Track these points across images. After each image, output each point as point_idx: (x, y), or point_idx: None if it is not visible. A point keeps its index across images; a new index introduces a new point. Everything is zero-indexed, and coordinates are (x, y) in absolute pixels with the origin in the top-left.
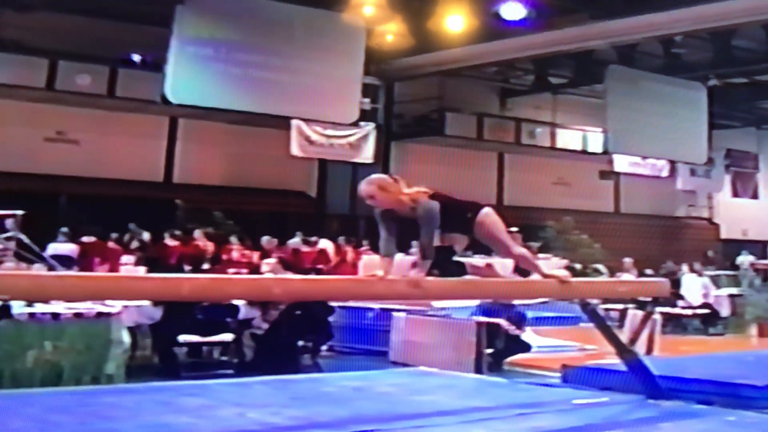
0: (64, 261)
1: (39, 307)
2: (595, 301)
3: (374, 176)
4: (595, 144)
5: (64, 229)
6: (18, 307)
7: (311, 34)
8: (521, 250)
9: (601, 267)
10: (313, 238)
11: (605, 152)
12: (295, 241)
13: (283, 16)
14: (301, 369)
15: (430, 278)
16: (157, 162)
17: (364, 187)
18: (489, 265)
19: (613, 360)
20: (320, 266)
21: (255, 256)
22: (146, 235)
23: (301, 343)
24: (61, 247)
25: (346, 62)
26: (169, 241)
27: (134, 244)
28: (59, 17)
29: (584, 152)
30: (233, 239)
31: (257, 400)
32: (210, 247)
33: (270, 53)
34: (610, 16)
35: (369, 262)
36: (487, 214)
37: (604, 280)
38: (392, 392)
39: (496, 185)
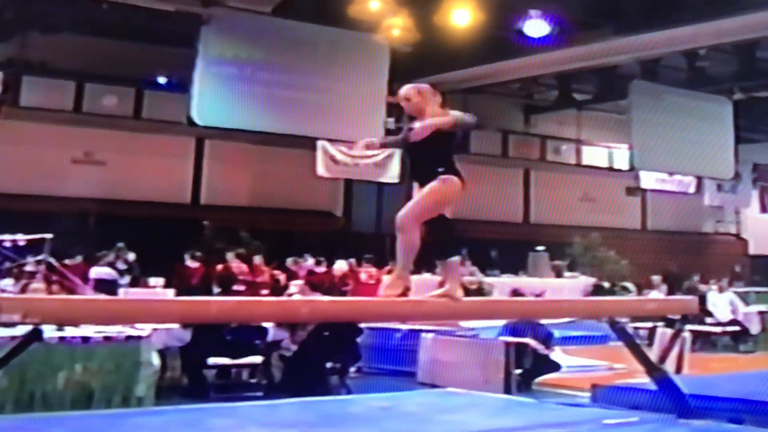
0: (107, 285)
1: (69, 331)
2: (623, 320)
3: (417, 84)
4: (621, 160)
5: (108, 253)
6: (49, 331)
7: (335, 53)
8: (411, 236)
9: (628, 284)
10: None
11: (631, 168)
12: (310, 263)
13: (306, 36)
14: (330, 390)
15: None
16: (184, 183)
17: (403, 89)
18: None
19: (642, 379)
20: (345, 287)
21: (282, 277)
22: (132, 256)
23: (329, 364)
24: (103, 270)
25: (371, 81)
26: (191, 263)
27: (120, 265)
28: (85, 39)
29: (610, 169)
30: (258, 259)
31: (285, 422)
32: (244, 268)
33: (294, 73)
34: (633, 30)
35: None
36: (449, 182)
37: (632, 297)
38: (419, 412)
39: (523, 202)
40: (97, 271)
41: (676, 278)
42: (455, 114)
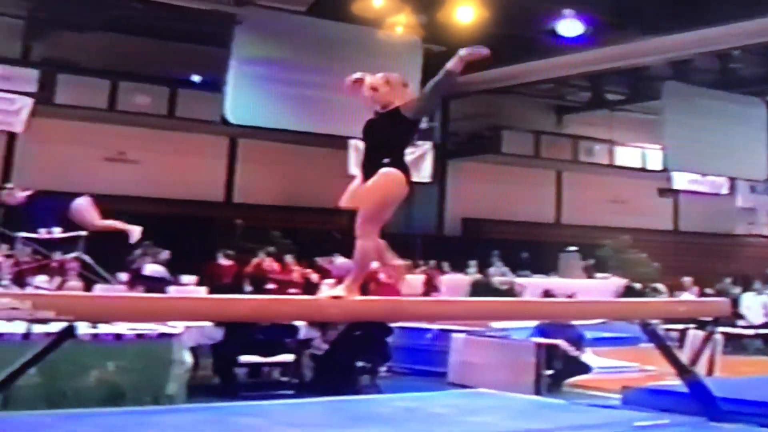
0: (158, 281)
1: (102, 328)
2: (654, 321)
3: (387, 73)
4: (654, 161)
5: (165, 252)
6: (81, 328)
7: (368, 53)
8: (368, 243)
9: (660, 286)
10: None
11: (663, 170)
12: (343, 261)
13: (339, 36)
14: (360, 390)
15: (487, 299)
16: (217, 181)
17: (369, 77)
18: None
19: (673, 381)
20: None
21: (314, 276)
22: (166, 254)
23: (360, 363)
24: (157, 267)
25: None
26: (223, 261)
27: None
28: (119, 38)
29: (642, 170)
30: (289, 258)
31: (315, 421)
32: (275, 266)
33: (326, 73)
34: (664, 31)
35: (411, 282)
36: (392, 176)
37: (663, 299)
38: (446, 413)
39: (555, 204)
40: (151, 269)
41: (708, 280)
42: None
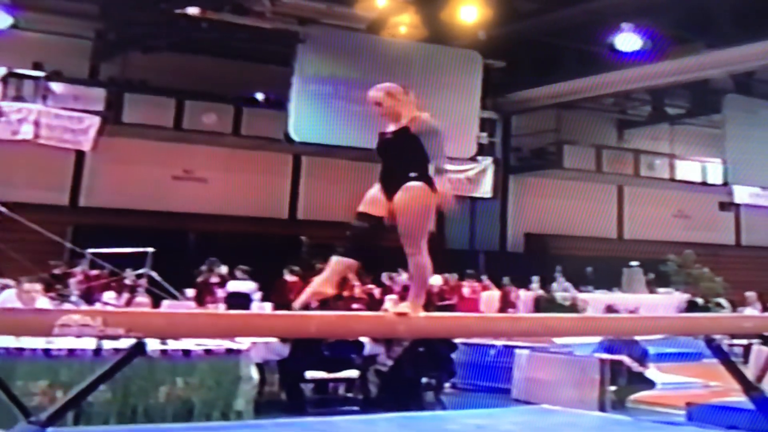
0: (242, 299)
1: (171, 344)
2: (719, 337)
3: (385, 83)
4: (715, 175)
5: (244, 267)
6: (151, 344)
7: (428, 69)
8: (423, 258)
9: (723, 301)
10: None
11: (725, 183)
12: (406, 277)
13: (400, 53)
14: (425, 406)
15: (552, 315)
16: (282, 199)
17: (372, 93)
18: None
19: (738, 397)
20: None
21: (376, 291)
22: (224, 269)
23: (424, 379)
24: (241, 285)
25: (464, 97)
26: (289, 277)
27: (214, 279)
28: (184, 58)
29: (704, 184)
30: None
31: None
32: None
33: None
34: (725, 44)
35: (488, 298)
36: (423, 189)
37: (727, 314)
38: (515, 431)
39: (617, 218)
40: (234, 285)
41: None
42: (436, 126)
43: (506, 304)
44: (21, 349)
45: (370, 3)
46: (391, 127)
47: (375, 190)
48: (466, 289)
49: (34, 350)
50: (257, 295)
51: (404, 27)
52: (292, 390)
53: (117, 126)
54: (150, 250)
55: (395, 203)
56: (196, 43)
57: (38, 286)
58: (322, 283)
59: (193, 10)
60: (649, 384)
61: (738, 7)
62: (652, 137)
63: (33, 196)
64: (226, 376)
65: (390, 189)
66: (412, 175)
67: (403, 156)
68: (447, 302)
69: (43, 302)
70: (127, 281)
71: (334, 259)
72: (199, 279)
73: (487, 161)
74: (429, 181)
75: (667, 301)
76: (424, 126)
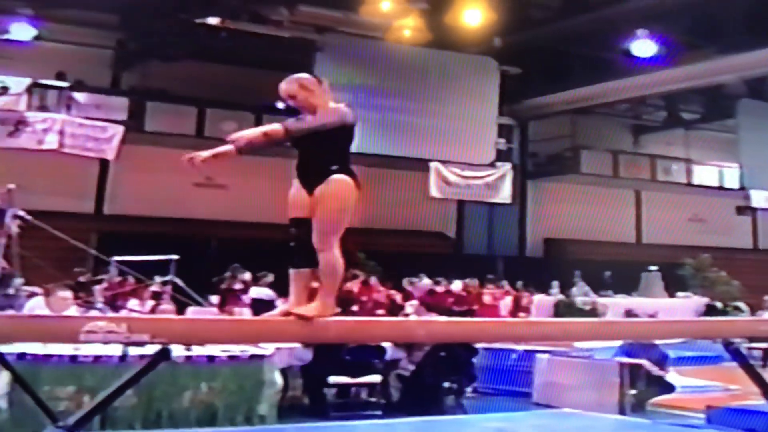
0: (265, 305)
1: (195, 350)
2: (737, 340)
3: (296, 75)
4: (731, 179)
5: (267, 278)
6: (176, 350)
7: (446, 76)
8: (333, 255)
9: (741, 305)
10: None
11: (741, 188)
12: (427, 282)
13: (417, 61)
14: (446, 410)
15: (572, 320)
16: None
17: (284, 86)
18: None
19: (758, 401)
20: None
21: (398, 297)
22: (247, 275)
23: (445, 384)
24: (263, 291)
25: (481, 104)
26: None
27: (237, 285)
28: (204, 66)
29: (720, 188)
30: (373, 280)
31: None
32: (361, 288)
33: (407, 97)
34: (737, 49)
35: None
36: (343, 183)
37: (745, 318)
38: None
39: (635, 223)
40: (256, 291)
41: None
42: (342, 111)
43: (518, 308)
44: (48, 356)
45: (375, 7)
46: (308, 119)
47: (295, 188)
48: (487, 296)
49: (61, 356)
50: (280, 301)
51: (408, 30)
52: (314, 395)
53: (139, 134)
54: (174, 257)
55: (316, 196)
56: (215, 52)
57: (69, 293)
58: (294, 305)
59: (212, 20)
60: (669, 387)
61: (750, 13)
62: (667, 142)
63: (58, 204)
64: (250, 381)
65: (309, 182)
66: (334, 168)
67: (320, 147)
68: (467, 308)
69: (72, 310)
70: (153, 288)
71: (292, 274)
72: (223, 285)
73: (505, 167)
74: (352, 175)
75: (686, 305)
76: (330, 111)
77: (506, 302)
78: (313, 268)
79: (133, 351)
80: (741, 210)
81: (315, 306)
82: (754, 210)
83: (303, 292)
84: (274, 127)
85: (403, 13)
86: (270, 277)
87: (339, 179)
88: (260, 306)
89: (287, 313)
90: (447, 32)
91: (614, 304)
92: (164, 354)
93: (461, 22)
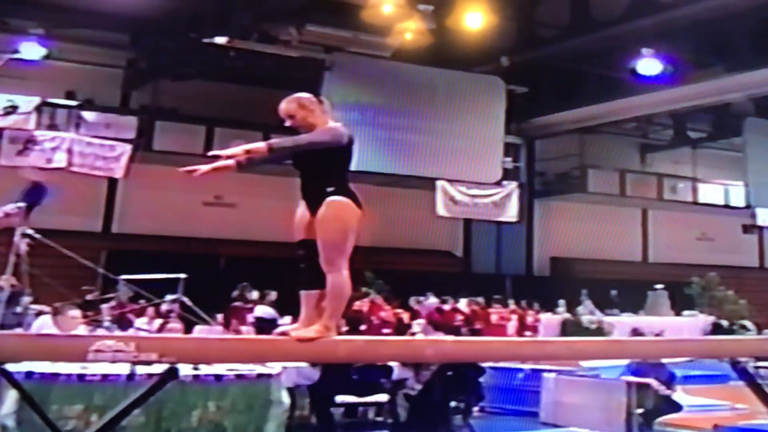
0: (268, 324)
1: (203, 369)
2: (744, 359)
3: (296, 94)
4: (738, 198)
5: (271, 297)
6: (183, 369)
7: (453, 96)
8: (340, 277)
9: (747, 323)
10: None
11: (748, 206)
12: (434, 301)
13: (424, 80)
14: (454, 430)
15: (579, 339)
16: None
17: (283, 105)
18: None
19: (765, 420)
20: (472, 327)
21: (405, 316)
22: (255, 294)
23: (453, 403)
24: (266, 309)
25: (488, 122)
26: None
27: (245, 304)
28: (213, 85)
29: (726, 206)
30: (379, 299)
31: None
32: (364, 307)
33: (414, 116)
34: (745, 68)
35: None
36: (341, 204)
37: (752, 337)
38: None
39: (641, 242)
40: (261, 310)
41: None
42: (335, 130)
43: (524, 327)
44: (56, 374)
45: (376, 10)
46: (295, 137)
47: (300, 210)
48: (494, 316)
49: (69, 375)
50: (287, 319)
51: (410, 33)
52: (322, 414)
53: (148, 153)
54: (182, 276)
55: (317, 219)
56: (224, 71)
57: (78, 313)
58: (302, 326)
59: (220, 39)
60: (676, 407)
61: (757, 31)
62: (675, 161)
63: (66, 223)
64: (258, 400)
65: (311, 204)
66: (329, 189)
67: (316, 168)
68: (474, 328)
69: (80, 329)
70: (162, 307)
71: (302, 295)
72: (234, 304)
73: (512, 186)
74: (351, 196)
75: (692, 324)
76: (324, 130)
77: (513, 321)
78: (322, 290)
79: (141, 370)
80: (747, 228)
81: (315, 328)
82: (760, 228)
83: (313, 313)
84: (258, 145)
85: (406, 16)
86: (273, 296)
87: (336, 201)
88: (263, 324)
89: (284, 334)
90: (450, 37)
91: (620, 323)
92: (172, 373)
93: (455, 23)
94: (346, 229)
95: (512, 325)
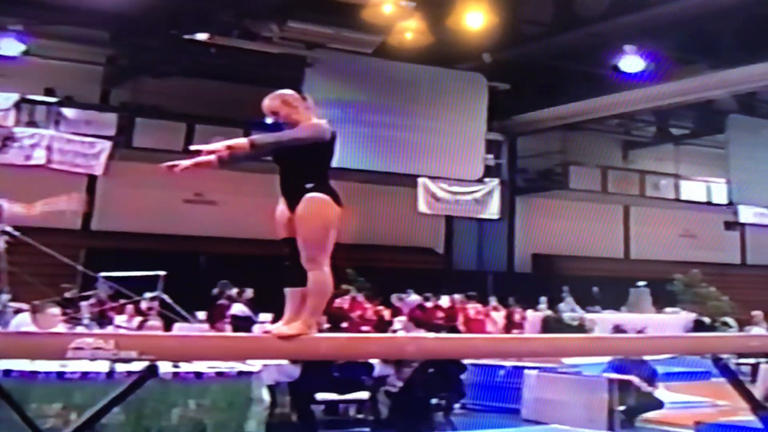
0: (245, 321)
1: (183, 367)
2: (726, 356)
3: (279, 91)
4: (720, 195)
5: (248, 294)
6: (164, 367)
7: (435, 93)
8: (322, 274)
9: (729, 320)
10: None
11: (730, 203)
12: (416, 298)
13: (407, 77)
14: (435, 427)
15: (560, 336)
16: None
17: (266, 102)
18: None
19: (747, 417)
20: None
21: (386, 313)
22: (234, 291)
23: (434, 400)
24: (241, 307)
25: (470, 119)
26: None
27: (225, 301)
28: (194, 82)
29: (708, 203)
30: (360, 296)
31: None
32: (345, 304)
33: (396, 113)
34: (728, 65)
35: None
36: (320, 201)
37: (734, 333)
38: None
39: (623, 238)
40: (238, 308)
41: None
42: (317, 126)
43: (511, 324)
44: (35, 372)
45: (376, 10)
46: (276, 133)
47: (280, 207)
48: (471, 311)
49: (48, 373)
50: (267, 317)
51: (410, 33)
52: (303, 411)
53: (128, 150)
54: (162, 273)
55: (296, 216)
56: (205, 68)
57: (58, 310)
58: (286, 323)
59: (201, 36)
60: (658, 403)
61: (740, 28)
62: (657, 158)
63: (46, 220)
64: (238, 398)
65: (290, 200)
66: (309, 186)
67: (297, 164)
68: (451, 324)
69: (59, 327)
70: (142, 304)
71: (286, 292)
72: (218, 302)
73: (493, 183)
74: (330, 192)
75: (674, 321)
76: (307, 126)
77: (497, 318)
78: (305, 287)
79: (121, 367)
80: (729, 225)
81: (295, 325)
82: (742, 225)
83: (297, 310)
84: (240, 140)
85: (402, 13)
86: (249, 293)
87: (315, 198)
88: (239, 322)
89: (267, 332)
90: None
91: (603, 320)
92: (152, 370)
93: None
94: (326, 226)
95: (499, 323)
